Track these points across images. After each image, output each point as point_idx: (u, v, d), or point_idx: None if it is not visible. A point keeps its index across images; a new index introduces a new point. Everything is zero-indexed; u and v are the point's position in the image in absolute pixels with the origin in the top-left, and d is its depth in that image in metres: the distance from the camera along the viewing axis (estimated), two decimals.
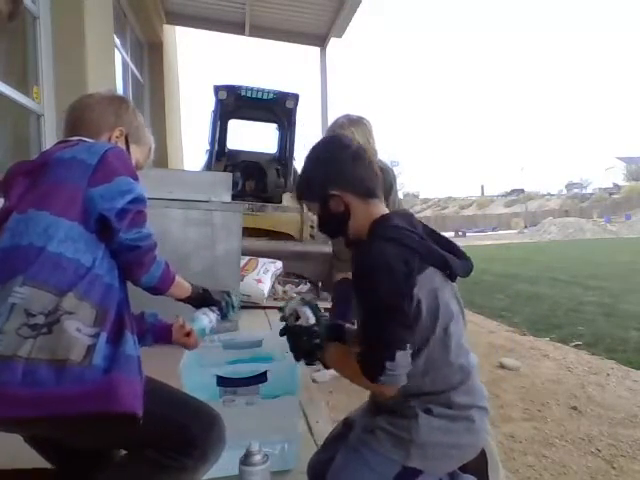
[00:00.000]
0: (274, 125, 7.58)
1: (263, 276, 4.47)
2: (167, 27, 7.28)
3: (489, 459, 1.16)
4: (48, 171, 1.05)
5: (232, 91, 6.65)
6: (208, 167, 6.78)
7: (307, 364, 1.23)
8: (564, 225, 30.89)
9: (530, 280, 8.18)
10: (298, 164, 7.52)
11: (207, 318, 1.36)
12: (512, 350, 3.79)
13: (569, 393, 2.84)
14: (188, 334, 1.32)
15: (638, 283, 7.34)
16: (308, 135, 7.50)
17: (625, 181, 66.25)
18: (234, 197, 3.80)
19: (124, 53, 5.72)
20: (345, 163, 1.16)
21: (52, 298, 0.94)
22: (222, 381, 1.43)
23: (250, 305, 4.23)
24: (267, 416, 1.51)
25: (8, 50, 3.30)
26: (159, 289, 1.20)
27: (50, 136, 3.38)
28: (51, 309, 0.92)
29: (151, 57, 7.05)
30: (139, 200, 1.09)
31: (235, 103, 6.76)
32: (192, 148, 9.87)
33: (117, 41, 5.16)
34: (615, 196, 57.44)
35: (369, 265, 1.03)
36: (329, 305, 2.88)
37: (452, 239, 1.24)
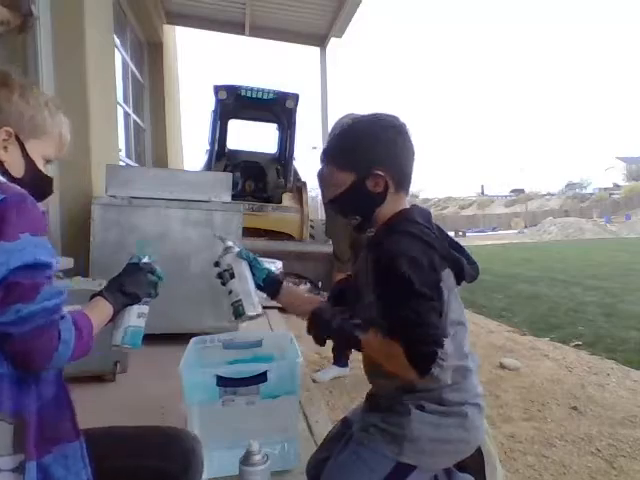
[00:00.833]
0: (274, 125, 7.58)
1: None
2: (167, 27, 7.28)
3: (486, 458, 1.16)
4: None
5: (232, 91, 6.65)
6: (208, 167, 6.79)
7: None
8: (564, 225, 30.86)
9: (530, 280, 8.18)
10: (298, 164, 7.54)
11: None
12: (512, 350, 3.79)
13: (569, 393, 2.84)
14: None
15: (638, 283, 7.34)
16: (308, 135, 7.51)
17: (625, 181, 66.26)
18: (234, 197, 3.80)
19: (124, 53, 5.72)
20: (399, 147, 1.11)
21: None
22: (222, 381, 1.43)
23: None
24: (267, 416, 1.51)
25: (8, 50, 3.30)
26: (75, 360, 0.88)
27: None
28: None
29: (151, 57, 7.05)
30: (32, 267, 0.80)
31: (235, 103, 6.77)
32: (192, 148, 9.88)
33: (117, 41, 5.16)
34: (615, 196, 57.44)
35: (398, 256, 0.99)
36: None
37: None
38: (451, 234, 1.21)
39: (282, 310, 4.46)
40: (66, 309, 0.87)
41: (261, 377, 1.44)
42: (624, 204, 47.82)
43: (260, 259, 1.24)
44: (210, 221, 3.04)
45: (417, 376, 0.97)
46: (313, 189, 7.20)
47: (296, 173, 7.44)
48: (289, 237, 6.45)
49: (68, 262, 2.57)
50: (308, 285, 5.35)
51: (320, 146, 7.47)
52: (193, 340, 1.67)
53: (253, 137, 8.68)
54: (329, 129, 2.60)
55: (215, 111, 6.85)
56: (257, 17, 6.86)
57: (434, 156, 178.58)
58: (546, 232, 30.54)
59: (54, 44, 3.42)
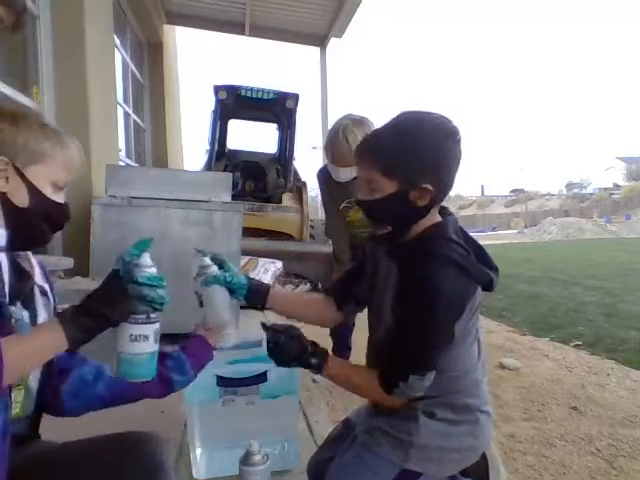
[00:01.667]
0: (274, 125, 7.58)
1: (263, 276, 4.48)
2: (167, 27, 7.28)
3: (490, 462, 1.15)
4: None
5: (232, 91, 6.65)
6: (208, 167, 6.79)
7: None
8: (564, 225, 30.85)
9: (530, 280, 8.18)
10: (298, 164, 7.54)
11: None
12: (512, 350, 3.79)
13: (569, 393, 2.84)
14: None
15: (638, 283, 7.34)
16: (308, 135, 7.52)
17: (625, 181, 66.26)
18: (234, 197, 3.79)
19: (124, 53, 5.72)
20: (454, 159, 1.00)
21: None
22: (222, 381, 1.43)
23: (250, 305, 4.22)
24: (267, 416, 1.51)
25: (8, 50, 3.30)
26: None
27: None
28: None
29: (151, 57, 7.05)
30: None
31: (235, 103, 6.76)
32: (192, 148, 9.88)
33: (117, 41, 5.16)
34: (615, 196, 57.44)
35: (431, 290, 0.96)
36: None
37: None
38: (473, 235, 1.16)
39: None
40: None
41: (261, 377, 1.44)
42: (624, 204, 47.80)
43: (236, 273, 1.14)
44: (210, 221, 3.04)
45: (385, 394, 1.02)
46: (313, 189, 7.20)
47: (296, 173, 7.44)
48: (289, 237, 6.45)
49: (68, 262, 2.57)
50: (308, 285, 5.35)
51: (320, 146, 7.47)
52: None
53: (253, 137, 8.68)
54: (329, 129, 2.59)
55: (215, 111, 6.85)
56: (257, 17, 6.86)
57: None
58: (546, 232, 30.53)
59: (54, 43, 3.42)
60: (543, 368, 3.33)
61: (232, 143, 7.60)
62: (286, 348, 1.05)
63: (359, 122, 2.39)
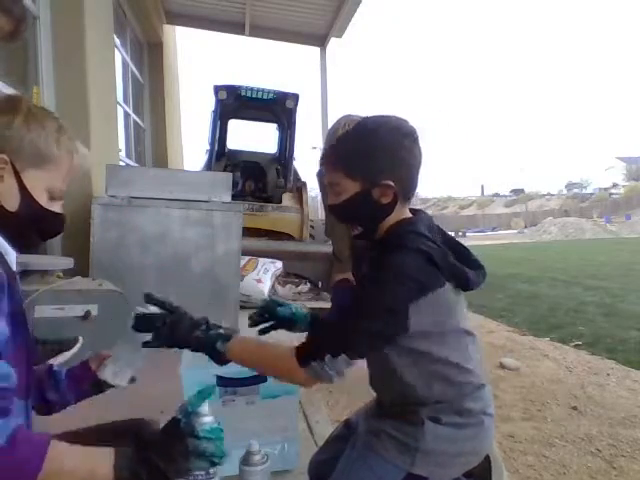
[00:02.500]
0: (274, 125, 7.58)
1: (263, 276, 4.48)
2: (167, 27, 7.29)
3: (493, 463, 1.15)
4: None
5: (232, 91, 6.65)
6: (208, 167, 6.78)
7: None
8: (564, 225, 30.87)
9: (530, 280, 8.18)
10: (298, 164, 7.53)
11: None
12: (512, 350, 3.79)
13: (569, 393, 2.83)
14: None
15: (638, 283, 7.34)
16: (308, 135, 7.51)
17: (625, 181, 66.26)
18: (234, 197, 3.79)
19: (124, 53, 5.72)
20: (413, 157, 1.05)
21: None
22: (222, 381, 1.43)
23: (250, 305, 4.23)
24: (267, 416, 1.51)
25: (8, 50, 3.30)
26: None
27: None
28: None
29: (151, 57, 7.05)
30: None
31: (235, 103, 6.76)
32: (192, 148, 9.88)
33: (117, 41, 5.16)
34: (615, 196, 57.44)
35: (388, 269, 0.97)
36: (329, 305, 2.88)
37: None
38: (451, 234, 1.17)
39: None
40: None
41: (261, 377, 1.44)
42: (624, 204, 47.80)
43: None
44: (210, 221, 3.04)
45: (297, 366, 0.95)
46: (313, 189, 7.20)
47: (296, 173, 7.43)
48: (289, 237, 6.45)
49: (68, 262, 2.57)
50: (308, 285, 5.34)
51: (320, 146, 7.48)
52: None
53: (253, 137, 8.67)
54: (329, 129, 2.59)
55: (215, 111, 6.85)
56: (257, 17, 6.86)
57: (434, 156, 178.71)
58: (546, 232, 30.55)
59: (54, 43, 3.42)
60: (543, 368, 3.33)
61: (232, 143, 7.60)
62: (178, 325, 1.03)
63: (358, 120, 2.41)
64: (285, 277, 5.32)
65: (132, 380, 1.06)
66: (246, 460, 1.24)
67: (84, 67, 3.48)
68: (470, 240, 24.85)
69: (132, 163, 5.82)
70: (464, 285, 1.05)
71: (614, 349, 3.79)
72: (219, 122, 6.96)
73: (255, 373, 1.44)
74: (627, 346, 3.86)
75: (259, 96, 6.67)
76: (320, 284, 5.16)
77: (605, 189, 67.51)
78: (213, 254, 3.04)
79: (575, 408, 2.60)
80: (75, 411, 1.04)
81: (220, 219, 3.05)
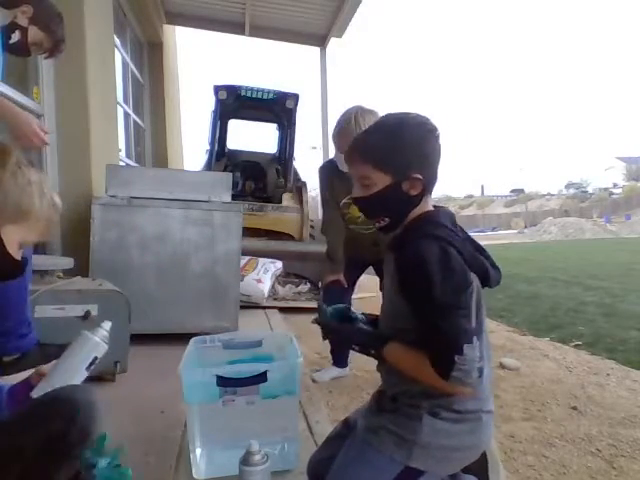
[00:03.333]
0: (274, 125, 7.58)
1: (263, 276, 4.48)
2: (167, 27, 7.28)
3: (490, 459, 1.16)
4: None
5: (232, 91, 6.65)
6: (208, 167, 6.79)
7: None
8: (564, 225, 30.87)
9: (530, 280, 8.18)
10: (298, 164, 7.53)
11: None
12: (512, 350, 3.79)
13: (569, 393, 2.83)
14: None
15: (638, 283, 7.34)
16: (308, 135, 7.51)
17: (625, 181, 66.28)
18: (234, 197, 3.79)
19: (124, 53, 5.72)
20: (436, 151, 1.11)
21: None
22: (222, 381, 1.43)
23: (250, 305, 4.23)
24: (267, 416, 1.51)
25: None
26: None
27: (50, 136, 3.37)
28: None
29: (151, 57, 7.05)
30: None
31: (235, 103, 6.77)
32: (192, 148, 9.87)
33: (117, 41, 5.16)
34: (615, 196, 57.44)
35: (423, 261, 0.98)
36: None
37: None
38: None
39: (282, 310, 4.46)
40: None
41: (261, 377, 1.43)
42: (624, 204, 47.83)
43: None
44: (210, 221, 3.04)
45: (443, 382, 0.96)
46: (313, 189, 7.20)
47: (296, 173, 7.43)
48: (289, 237, 6.45)
49: (68, 262, 2.57)
50: (308, 285, 5.35)
51: (320, 146, 7.47)
52: (193, 340, 1.66)
53: (253, 137, 8.67)
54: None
55: (215, 111, 6.85)
56: (257, 17, 6.86)
57: None
58: (546, 232, 30.56)
59: None
60: (543, 368, 3.33)
61: (232, 143, 7.61)
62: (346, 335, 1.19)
63: (368, 111, 2.46)
64: (285, 277, 5.32)
65: None
66: (246, 460, 1.24)
67: (84, 67, 3.48)
68: None
69: (132, 163, 5.81)
70: (485, 280, 1.08)
71: (614, 349, 3.79)
72: (219, 122, 6.96)
73: (255, 373, 1.44)
74: (627, 346, 3.86)
75: (259, 96, 6.68)
76: (320, 284, 5.16)
77: (605, 189, 67.52)
78: (213, 254, 3.04)
79: (575, 408, 2.60)
80: None
81: (220, 219, 3.05)
